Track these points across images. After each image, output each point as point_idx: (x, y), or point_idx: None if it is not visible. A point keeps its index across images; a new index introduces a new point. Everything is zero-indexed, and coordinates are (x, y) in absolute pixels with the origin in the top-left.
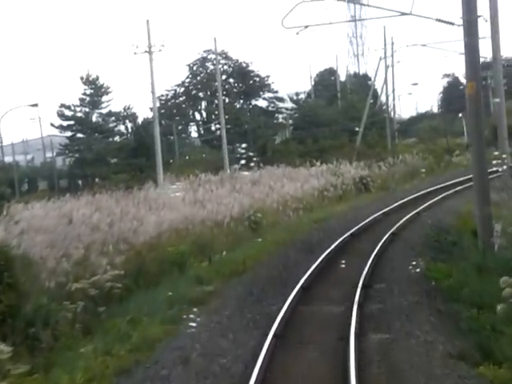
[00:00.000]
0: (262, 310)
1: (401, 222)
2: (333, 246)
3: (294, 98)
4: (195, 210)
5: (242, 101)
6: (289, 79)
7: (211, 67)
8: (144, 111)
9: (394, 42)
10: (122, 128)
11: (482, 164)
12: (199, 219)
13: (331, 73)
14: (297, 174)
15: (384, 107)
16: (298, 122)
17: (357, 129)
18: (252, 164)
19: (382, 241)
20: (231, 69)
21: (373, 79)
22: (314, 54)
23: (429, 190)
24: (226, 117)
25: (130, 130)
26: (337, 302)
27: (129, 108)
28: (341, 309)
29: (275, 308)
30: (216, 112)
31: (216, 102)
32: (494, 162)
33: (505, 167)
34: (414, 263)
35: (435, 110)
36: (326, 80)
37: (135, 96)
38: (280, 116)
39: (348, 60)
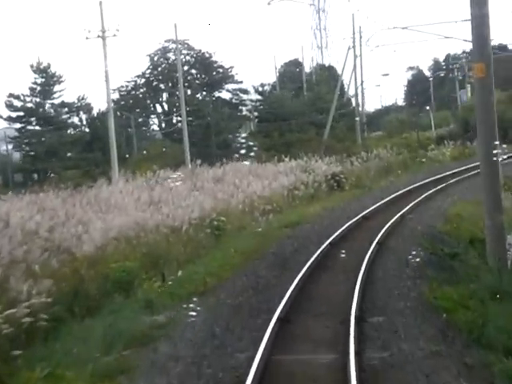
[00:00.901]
0: (226, 362)
1: (385, 227)
2: (311, 260)
3: (259, 89)
4: (148, 214)
5: (204, 92)
6: (253, 70)
7: (173, 57)
8: (100, 102)
9: (363, 31)
10: (75, 120)
11: (491, 161)
12: (153, 224)
13: (296, 64)
14: (264, 171)
15: (352, 98)
16: (264, 114)
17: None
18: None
19: (368, 253)
20: (193, 59)
21: (341, 69)
22: (279, 44)
23: (408, 188)
24: (188, 109)
25: (84, 122)
26: (325, 347)
27: (83, 98)
28: (332, 358)
29: (244, 357)
30: (178, 104)
31: (178, 93)
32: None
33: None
34: (413, 286)
35: (400, 103)
36: (291, 71)
37: (90, 86)
38: (244, 108)
39: (312, 52)
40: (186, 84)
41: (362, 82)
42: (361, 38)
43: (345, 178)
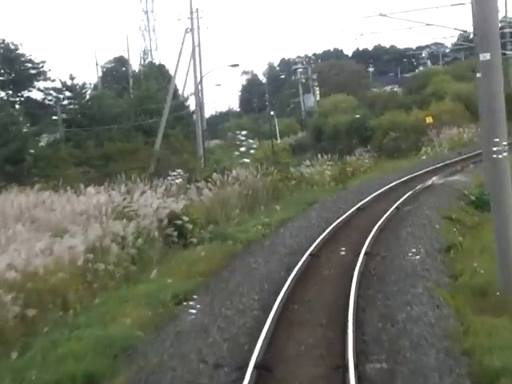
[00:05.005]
0: None
1: None
2: None
3: (69, 83)
4: None
5: (11, 92)
6: (74, 70)
7: None
8: None
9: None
10: None
11: None
12: None
13: (122, 62)
14: (46, 213)
15: (190, 97)
16: (75, 116)
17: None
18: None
19: None
20: None
21: (175, 63)
22: (103, 41)
23: (310, 247)
24: None
25: None
26: None
27: None
28: None
29: None
30: None
31: None
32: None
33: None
34: None
35: (235, 109)
36: (116, 70)
37: None
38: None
39: (141, 54)
40: None
41: (202, 77)
42: (199, 18)
43: (191, 221)
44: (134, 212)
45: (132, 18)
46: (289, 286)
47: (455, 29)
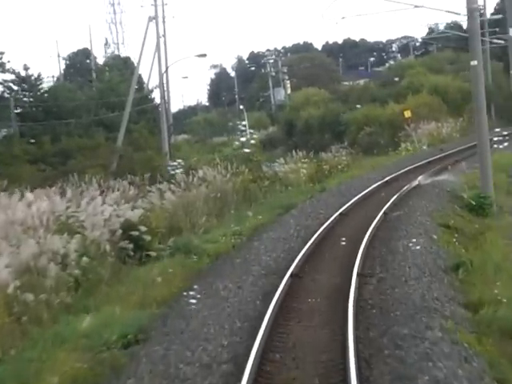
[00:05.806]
0: None
1: None
2: None
3: (22, 74)
4: None
5: None
6: (34, 61)
7: None
8: None
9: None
10: None
11: None
12: None
13: (87, 54)
14: None
15: (154, 90)
16: (30, 109)
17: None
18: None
19: None
20: None
21: (140, 50)
22: (66, 31)
23: (292, 261)
24: None
25: None
26: None
27: None
28: None
29: None
30: None
31: None
32: None
33: None
34: None
35: (204, 103)
36: (79, 62)
37: None
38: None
39: (107, 49)
40: None
41: (167, 68)
42: (164, 5)
43: (149, 231)
44: (79, 223)
45: (98, 10)
46: (267, 323)
47: (447, 11)
